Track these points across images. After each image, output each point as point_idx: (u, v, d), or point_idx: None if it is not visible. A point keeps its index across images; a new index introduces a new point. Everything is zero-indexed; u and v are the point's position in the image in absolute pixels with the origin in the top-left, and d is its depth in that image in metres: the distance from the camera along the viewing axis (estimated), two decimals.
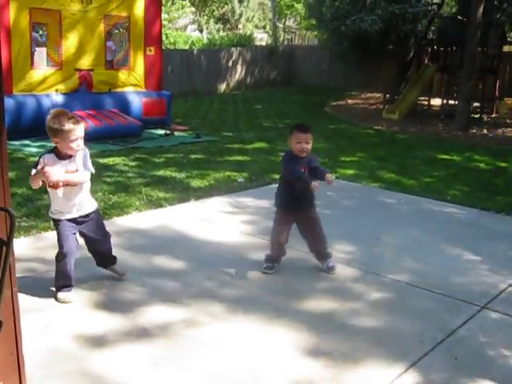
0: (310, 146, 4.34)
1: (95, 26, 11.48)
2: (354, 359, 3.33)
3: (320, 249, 4.63)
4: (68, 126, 3.81)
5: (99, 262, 4.33)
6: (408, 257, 5.04)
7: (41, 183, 3.84)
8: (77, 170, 3.93)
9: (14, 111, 9.99)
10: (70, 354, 3.28)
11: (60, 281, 3.99)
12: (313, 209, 4.61)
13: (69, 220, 3.99)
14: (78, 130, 3.86)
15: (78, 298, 3.98)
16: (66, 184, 3.91)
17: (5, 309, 2.13)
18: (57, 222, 4.01)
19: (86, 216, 4.06)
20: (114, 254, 4.34)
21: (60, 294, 3.96)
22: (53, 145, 3.91)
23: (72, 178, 3.88)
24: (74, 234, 4.04)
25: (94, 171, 4.02)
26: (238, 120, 14.49)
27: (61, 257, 3.97)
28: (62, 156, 3.90)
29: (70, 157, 3.91)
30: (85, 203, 4.05)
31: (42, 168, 3.77)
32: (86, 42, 11.39)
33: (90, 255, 4.26)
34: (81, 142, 3.91)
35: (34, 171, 3.82)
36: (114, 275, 4.33)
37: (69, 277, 3.98)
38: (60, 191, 3.93)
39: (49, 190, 3.98)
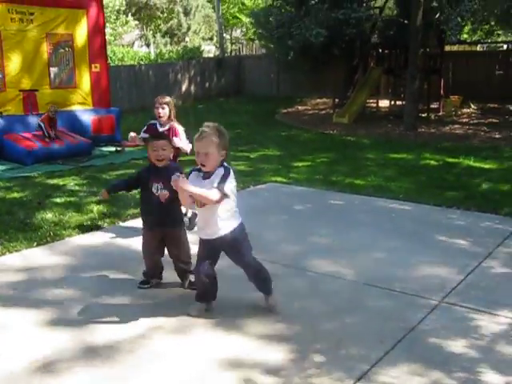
0: (167, 153, 4.21)
1: (37, 45, 11.25)
2: (315, 363, 3.30)
3: (182, 270, 4.42)
4: None
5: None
6: (364, 257, 5.06)
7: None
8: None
9: None
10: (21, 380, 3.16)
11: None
12: (176, 228, 4.34)
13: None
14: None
15: (29, 320, 3.85)
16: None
17: None
18: None
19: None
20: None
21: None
22: None
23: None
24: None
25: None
26: (188, 132, 14.37)
27: None
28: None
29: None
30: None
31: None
32: (29, 61, 11.15)
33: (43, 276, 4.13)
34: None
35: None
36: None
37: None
38: None
39: None
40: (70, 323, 3.86)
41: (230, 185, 3.62)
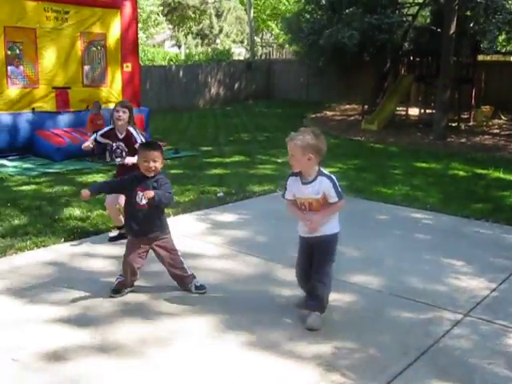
0: (158, 165, 4.15)
1: (71, 43, 11.42)
2: (338, 373, 3.29)
3: (179, 276, 4.39)
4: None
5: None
6: (389, 267, 5.02)
7: None
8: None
9: None
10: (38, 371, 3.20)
11: None
12: (162, 235, 4.31)
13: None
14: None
15: (52, 313, 3.90)
16: None
17: None
18: None
19: None
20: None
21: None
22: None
23: None
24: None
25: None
26: (217, 134, 14.48)
27: None
28: None
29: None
30: None
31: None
32: (63, 59, 11.32)
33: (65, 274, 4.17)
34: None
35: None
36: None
37: None
38: None
39: None
40: (91, 319, 3.91)
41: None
